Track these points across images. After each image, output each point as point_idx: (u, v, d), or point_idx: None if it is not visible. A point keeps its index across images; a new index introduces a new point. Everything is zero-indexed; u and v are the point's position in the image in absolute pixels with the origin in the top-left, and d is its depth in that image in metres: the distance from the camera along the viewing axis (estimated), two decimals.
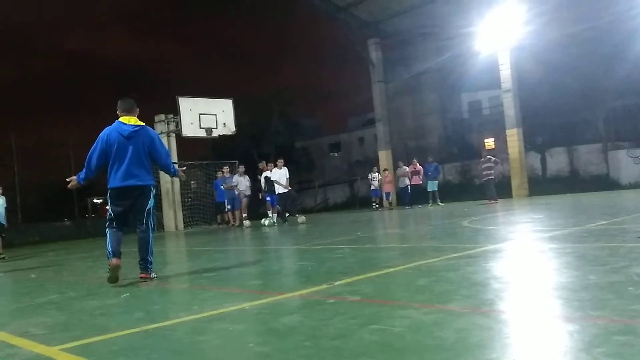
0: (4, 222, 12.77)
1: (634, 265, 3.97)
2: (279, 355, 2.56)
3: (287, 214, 16.01)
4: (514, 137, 21.74)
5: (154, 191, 5.67)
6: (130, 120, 5.55)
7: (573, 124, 24.23)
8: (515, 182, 21.66)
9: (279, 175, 15.48)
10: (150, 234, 5.58)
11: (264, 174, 16.78)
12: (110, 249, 5.42)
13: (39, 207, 34.01)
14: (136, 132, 5.50)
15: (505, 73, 21.79)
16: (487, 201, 17.84)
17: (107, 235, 5.52)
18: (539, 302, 3.19)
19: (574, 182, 22.52)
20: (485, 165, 18.39)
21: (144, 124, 5.65)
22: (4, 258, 12.46)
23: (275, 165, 16.08)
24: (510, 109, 21.79)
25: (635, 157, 21.81)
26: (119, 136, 5.44)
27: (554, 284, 3.70)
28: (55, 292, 5.70)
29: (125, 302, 4.50)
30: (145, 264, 5.54)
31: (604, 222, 7.62)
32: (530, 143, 23.90)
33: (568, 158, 24.51)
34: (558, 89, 23.12)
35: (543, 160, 25.33)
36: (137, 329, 3.35)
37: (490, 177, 18.21)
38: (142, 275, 5.52)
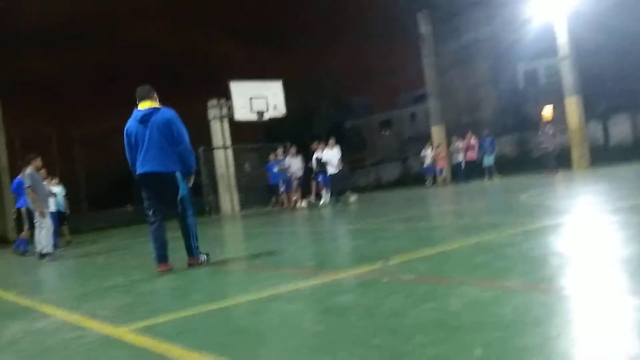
0: (63, 210, 13.36)
1: None
2: (334, 334, 2.60)
3: (339, 194, 16.04)
4: (572, 106, 20.86)
5: (181, 177, 5.37)
6: (145, 105, 5.33)
7: (636, 90, 23.04)
8: (575, 153, 20.85)
9: (331, 155, 15.53)
10: (190, 221, 5.42)
11: (315, 155, 16.87)
12: (154, 255, 5.35)
13: (104, 195, 35.41)
14: (149, 114, 5.25)
15: (562, 39, 20.86)
16: (546, 174, 17.32)
17: (149, 235, 5.43)
18: (601, 277, 3.09)
19: (638, 151, 21.47)
20: (544, 136, 17.86)
21: (160, 106, 5.39)
22: (70, 242, 13.14)
23: (327, 145, 16.16)
24: (568, 77, 20.88)
25: None
26: (134, 123, 5.28)
27: (617, 258, 3.57)
28: (121, 276, 5.95)
29: (186, 285, 4.66)
30: (190, 250, 5.43)
31: None
32: (590, 111, 22.90)
33: (632, 126, 23.37)
34: (619, 54, 21.99)
35: (605, 129, 24.27)
36: (198, 310, 3.46)
37: (549, 148, 17.69)
38: (190, 261, 5.43)
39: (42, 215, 8.82)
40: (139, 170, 5.29)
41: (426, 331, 2.42)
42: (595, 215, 6.11)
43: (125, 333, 3.08)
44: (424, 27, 26.35)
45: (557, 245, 4.31)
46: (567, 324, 2.31)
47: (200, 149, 19.64)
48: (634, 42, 21.34)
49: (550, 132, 17.84)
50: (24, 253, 10.59)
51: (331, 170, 15.48)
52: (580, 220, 5.87)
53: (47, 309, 4.24)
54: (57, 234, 11.33)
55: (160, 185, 5.30)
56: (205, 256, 5.54)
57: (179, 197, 5.31)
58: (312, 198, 16.94)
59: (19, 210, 10.55)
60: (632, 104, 23.14)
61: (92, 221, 21.20)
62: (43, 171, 9.88)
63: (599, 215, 6.05)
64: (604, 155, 21.66)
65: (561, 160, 19.25)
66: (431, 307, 2.81)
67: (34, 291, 5.95)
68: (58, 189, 13.32)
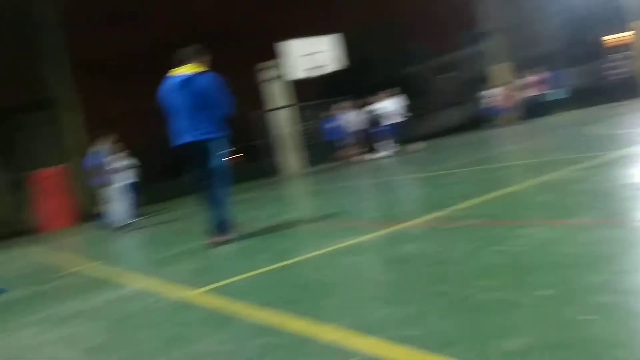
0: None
1: None
2: (400, 283, 2.62)
3: (404, 143, 15.90)
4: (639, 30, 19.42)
5: (221, 144, 4.97)
6: (186, 69, 4.91)
7: None
8: None
9: (392, 105, 15.37)
10: (219, 191, 4.93)
11: (370, 107, 16.77)
12: (211, 224, 4.97)
13: (172, 166, 36.68)
14: (188, 80, 4.84)
15: None
16: (618, 103, 16.40)
17: (204, 204, 5.08)
18: None
19: None
20: (612, 64, 16.86)
21: (201, 69, 4.93)
22: (142, 213, 13.71)
23: (387, 97, 16.10)
24: None
25: None
26: (170, 88, 4.91)
27: None
28: (192, 242, 6.19)
29: (253, 246, 4.78)
30: (219, 224, 4.92)
31: None
32: None
33: None
34: None
35: None
36: (266, 269, 3.57)
37: (619, 75, 16.69)
38: (214, 239, 4.91)
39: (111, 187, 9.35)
40: (178, 141, 4.93)
41: (492, 275, 2.40)
42: None
43: (199, 295, 3.23)
44: None
45: (628, 177, 4.11)
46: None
47: (264, 112, 19.83)
48: None
49: (618, 59, 16.80)
50: (108, 226, 11.15)
51: (392, 119, 15.35)
52: None
53: (128, 277, 4.50)
54: (138, 204, 11.80)
55: (201, 154, 4.89)
56: (234, 233, 5.00)
57: (212, 166, 4.90)
58: (376, 150, 16.91)
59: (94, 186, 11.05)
60: None
61: (162, 191, 22.00)
62: (116, 145, 10.31)
63: None
64: None
65: (632, 89, 18.13)
66: (497, 250, 2.77)
67: (116, 261, 6.30)
68: (131, 162, 13.88)
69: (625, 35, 24.27)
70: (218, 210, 4.92)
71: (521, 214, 3.73)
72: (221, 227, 4.92)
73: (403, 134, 15.86)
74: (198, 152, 4.88)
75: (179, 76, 4.88)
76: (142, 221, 10.45)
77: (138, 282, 4.15)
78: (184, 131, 4.86)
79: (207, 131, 4.87)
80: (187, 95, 4.81)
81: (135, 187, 13.02)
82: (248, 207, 5.76)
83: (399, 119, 15.35)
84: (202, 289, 3.34)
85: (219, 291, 3.22)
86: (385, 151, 16.56)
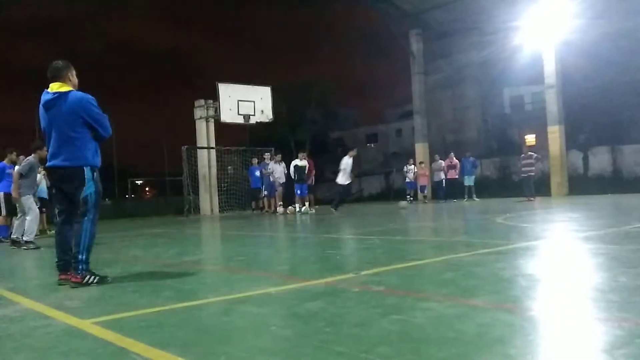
0: (46, 196, 13.18)
1: None
2: (299, 339, 2.61)
3: (337, 204, 15.45)
4: (555, 135, 21.23)
5: (90, 173, 4.47)
6: (54, 87, 4.47)
7: (619, 122, 23.45)
8: (554, 180, 21.18)
9: (345, 164, 15.09)
10: (86, 225, 4.45)
11: (293, 163, 17.04)
12: (55, 260, 4.60)
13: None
14: (55, 100, 4.42)
15: (550, 68, 21.24)
16: (524, 198, 17.54)
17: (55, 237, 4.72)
18: (566, 302, 3.15)
19: (616, 183, 21.81)
20: (525, 161, 18.10)
21: (70, 88, 4.49)
22: (45, 231, 12.91)
23: (305, 157, 16.81)
24: (552, 105, 21.26)
25: None
26: (41, 109, 4.50)
27: (583, 284, 3.64)
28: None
29: (156, 282, 4.62)
30: (76, 263, 4.42)
31: None
32: (572, 141, 23.26)
33: (612, 157, 23.72)
34: (605, 86, 22.38)
35: (585, 159, 24.62)
36: (166, 307, 3.45)
37: (529, 173, 17.91)
38: (71, 277, 4.43)
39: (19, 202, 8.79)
40: (48, 162, 4.55)
41: (390, 342, 2.44)
42: (567, 241, 6.20)
43: (90, 325, 3.05)
44: (415, 45, 26.67)
45: (527, 267, 4.38)
46: (528, 344, 2.35)
47: (184, 148, 19.57)
48: (622, 74, 21.75)
49: (532, 158, 18.05)
50: (2, 240, 10.36)
51: (343, 180, 15.14)
52: (552, 245, 5.96)
53: (15, 297, 4.18)
54: (41, 220, 11.13)
55: (65, 181, 4.48)
56: (93, 277, 4.48)
57: (82, 196, 4.43)
58: (298, 206, 17.00)
59: None
60: (613, 137, 23.53)
61: None
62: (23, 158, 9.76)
63: (570, 241, 6.14)
64: (582, 184, 21.98)
65: (540, 187, 19.52)
66: (397, 319, 2.83)
67: (5, 278, 5.85)
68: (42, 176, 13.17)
69: (539, 137, 26.27)
70: (77, 245, 4.41)
71: (424, 288, 3.85)
72: (76, 266, 4.41)
73: (332, 195, 16.17)
74: (65, 178, 4.47)
75: (50, 94, 4.46)
76: (43, 239, 9.84)
77: (25, 304, 3.87)
78: (54, 155, 4.46)
79: (70, 157, 4.41)
80: (58, 116, 4.38)
81: (43, 203, 12.29)
82: (155, 243, 5.58)
83: (347, 181, 15.23)
84: (95, 319, 3.16)
85: (113, 324, 3.06)
86: (304, 208, 16.72)
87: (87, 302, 3.85)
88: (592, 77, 22.64)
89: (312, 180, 17.91)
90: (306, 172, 16.86)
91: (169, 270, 5.17)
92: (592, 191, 20.47)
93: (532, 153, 18.49)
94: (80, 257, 4.41)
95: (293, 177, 16.99)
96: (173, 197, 25.07)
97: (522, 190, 18.15)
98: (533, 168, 18.11)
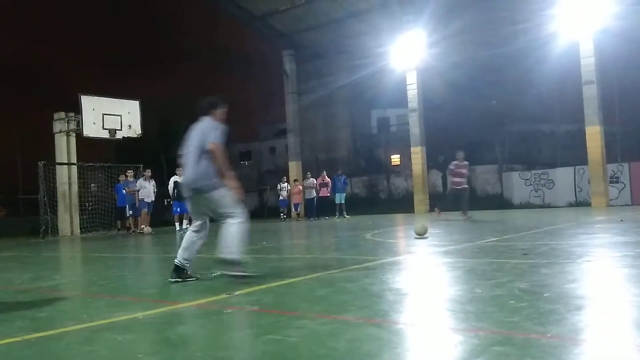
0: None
1: (517, 280, 4.24)
2: None
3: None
4: (417, 155, 22.68)
5: None
6: None
7: (474, 144, 25.61)
8: (417, 198, 22.54)
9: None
10: None
11: (172, 179, 16.48)
12: None
13: None
14: None
15: (412, 93, 22.71)
16: (394, 215, 18.37)
17: None
18: (429, 314, 3.34)
19: (471, 200, 23.68)
20: (458, 170, 14.95)
21: None
22: None
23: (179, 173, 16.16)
24: (415, 128, 22.73)
25: (526, 179, 23.32)
26: None
27: (444, 296, 3.89)
28: None
29: (7, 310, 4.20)
30: None
31: (493, 239, 8.09)
32: (433, 161, 24.95)
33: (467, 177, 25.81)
34: (461, 110, 24.41)
35: (444, 178, 26.51)
36: (19, 338, 3.14)
37: (463, 185, 15.03)
38: None
39: None
40: None
41: None
42: (429, 255, 6.60)
43: None
44: (289, 65, 27.22)
45: (393, 282, 4.58)
46: (396, 357, 2.45)
47: (41, 163, 18.10)
48: (474, 100, 23.83)
49: (465, 168, 15.06)
50: None
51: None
52: (415, 260, 6.31)
53: None
54: None
55: None
56: None
57: None
58: (177, 224, 16.55)
59: None
60: (469, 158, 25.57)
61: None
62: None
63: (432, 256, 6.54)
64: (442, 202, 23.59)
65: (404, 204, 20.62)
66: (270, 339, 2.82)
67: None
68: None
69: (403, 157, 27.81)
70: None
71: (298, 306, 3.88)
72: None
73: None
74: None
75: None
76: None
77: None
78: None
79: None
80: None
81: None
82: (5, 268, 5.09)
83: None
84: None
85: None
86: (185, 226, 16.20)
87: None
88: (449, 103, 24.60)
89: None
90: None
91: (22, 298, 4.72)
92: (450, 208, 22.04)
93: (466, 162, 15.28)
94: None
95: (172, 194, 16.43)
96: (28, 217, 23.06)
97: (391, 207, 18.86)
98: (465, 179, 15.04)
